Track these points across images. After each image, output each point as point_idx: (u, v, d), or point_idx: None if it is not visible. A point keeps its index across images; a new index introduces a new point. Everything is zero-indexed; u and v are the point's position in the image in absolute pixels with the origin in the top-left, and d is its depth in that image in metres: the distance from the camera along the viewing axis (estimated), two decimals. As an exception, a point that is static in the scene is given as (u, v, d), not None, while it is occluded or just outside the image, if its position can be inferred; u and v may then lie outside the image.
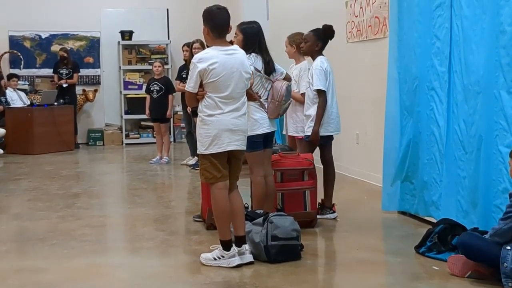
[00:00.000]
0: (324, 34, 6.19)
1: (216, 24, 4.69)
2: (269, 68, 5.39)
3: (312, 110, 6.06)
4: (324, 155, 6.29)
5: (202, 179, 4.84)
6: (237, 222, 4.79)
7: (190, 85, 4.63)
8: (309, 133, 6.06)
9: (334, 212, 6.25)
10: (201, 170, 4.75)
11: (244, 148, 4.81)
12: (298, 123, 6.78)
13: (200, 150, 4.69)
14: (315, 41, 6.19)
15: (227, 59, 4.63)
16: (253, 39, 5.40)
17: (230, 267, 4.65)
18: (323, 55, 6.21)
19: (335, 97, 6.21)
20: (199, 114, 4.70)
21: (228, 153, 4.71)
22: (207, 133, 4.62)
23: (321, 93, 6.03)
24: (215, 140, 4.61)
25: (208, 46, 4.83)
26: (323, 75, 6.01)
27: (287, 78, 5.76)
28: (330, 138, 6.24)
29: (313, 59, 6.21)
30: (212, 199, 4.76)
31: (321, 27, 6.23)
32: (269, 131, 5.42)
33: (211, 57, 4.59)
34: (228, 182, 4.75)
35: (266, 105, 5.40)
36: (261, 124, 5.33)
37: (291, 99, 5.58)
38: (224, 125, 4.62)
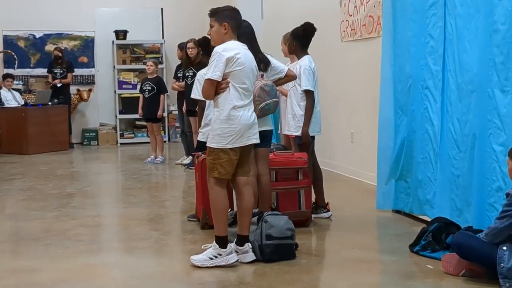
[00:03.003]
0: (303, 32, 6.19)
1: (237, 23, 4.80)
2: None
3: (300, 110, 6.06)
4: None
5: (214, 174, 4.67)
6: (245, 220, 4.78)
7: (216, 73, 4.59)
8: (299, 134, 6.05)
9: (328, 211, 6.25)
10: (215, 165, 4.65)
11: (258, 141, 4.85)
12: (293, 122, 6.76)
13: (219, 144, 4.63)
14: (291, 41, 6.21)
15: (246, 53, 4.74)
16: None
17: (229, 264, 4.65)
18: (308, 53, 6.20)
19: (318, 97, 6.23)
20: (221, 107, 4.65)
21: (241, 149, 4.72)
22: (231, 128, 4.61)
23: (309, 94, 6.02)
24: (237, 135, 4.63)
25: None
26: (311, 75, 6.02)
27: (290, 75, 5.72)
28: (313, 138, 6.23)
29: (298, 58, 6.20)
30: (213, 194, 4.71)
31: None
32: None
33: (235, 48, 4.67)
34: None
35: None
36: None
37: (275, 99, 5.42)
38: (246, 120, 4.67)
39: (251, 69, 4.76)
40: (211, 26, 4.79)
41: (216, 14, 4.76)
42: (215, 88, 4.65)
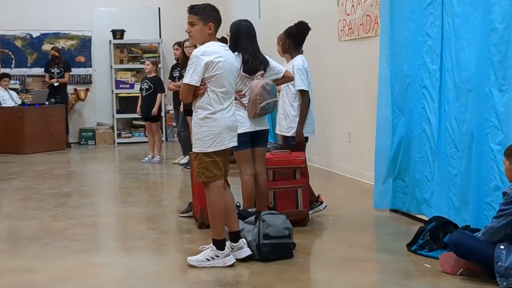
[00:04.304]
0: (297, 31, 6.17)
1: (219, 23, 4.73)
2: (246, 66, 5.34)
3: (293, 110, 6.05)
4: None
5: (201, 178, 4.67)
6: (231, 217, 4.77)
7: (194, 78, 4.53)
8: (290, 135, 6.05)
9: (322, 203, 6.23)
10: (201, 169, 4.64)
11: (236, 144, 4.83)
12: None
13: (201, 148, 4.62)
14: (284, 40, 6.17)
15: (227, 54, 4.68)
16: (233, 37, 5.42)
17: (226, 266, 4.64)
18: (302, 53, 6.19)
19: (313, 97, 6.22)
20: (199, 111, 4.63)
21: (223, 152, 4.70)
22: (211, 131, 4.58)
23: (303, 93, 6.00)
24: (218, 138, 4.59)
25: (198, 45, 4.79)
26: (305, 74, 5.99)
27: (288, 77, 5.71)
28: (306, 139, 6.22)
29: (291, 58, 6.18)
30: (210, 197, 4.69)
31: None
32: (249, 130, 5.35)
33: (215, 51, 4.59)
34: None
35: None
36: (242, 123, 5.27)
37: (275, 99, 5.43)
38: (226, 123, 4.63)
39: (231, 72, 4.70)
40: (192, 24, 4.66)
41: (199, 12, 4.65)
42: (193, 92, 4.61)
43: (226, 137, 4.63)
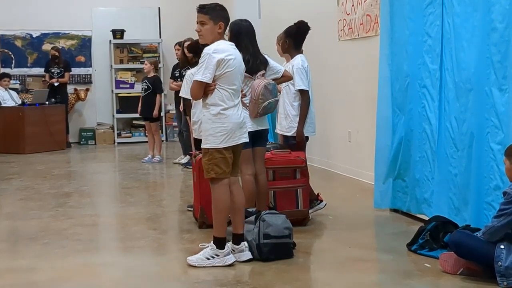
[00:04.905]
0: (297, 31, 6.16)
1: (228, 23, 4.79)
2: (248, 66, 5.34)
3: (293, 110, 6.05)
4: None
5: (211, 174, 4.65)
6: (238, 218, 4.78)
7: (207, 76, 4.55)
8: (291, 134, 6.05)
9: (321, 201, 6.22)
10: (211, 165, 4.63)
11: (248, 140, 4.85)
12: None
13: (213, 144, 4.62)
14: (284, 39, 6.17)
15: (236, 53, 4.72)
16: (234, 37, 5.43)
17: (226, 265, 4.64)
18: (301, 52, 6.19)
19: (313, 97, 6.21)
20: (211, 108, 4.63)
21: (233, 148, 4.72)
22: (223, 127, 4.60)
23: (303, 93, 6.01)
24: (229, 134, 4.62)
25: (204, 45, 4.79)
26: (304, 74, 5.99)
27: (286, 76, 5.72)
28: (307, 139, 6.22)
29: (291, 57, 6.18)
30: (216, 195, 4.68)
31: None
32: (250, 130, 5.30)
33: (225, 49, 4.63)
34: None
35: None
36: None
37: (276, 98, 5.44)
38: (237, 119, 4.66)
39: (240, 70, 4.75)
40: (203, 24, 4.68)
41: (210, 12, 4.67)
42: (203, 89, 4.62)
43: (237, 134, 4.67)
